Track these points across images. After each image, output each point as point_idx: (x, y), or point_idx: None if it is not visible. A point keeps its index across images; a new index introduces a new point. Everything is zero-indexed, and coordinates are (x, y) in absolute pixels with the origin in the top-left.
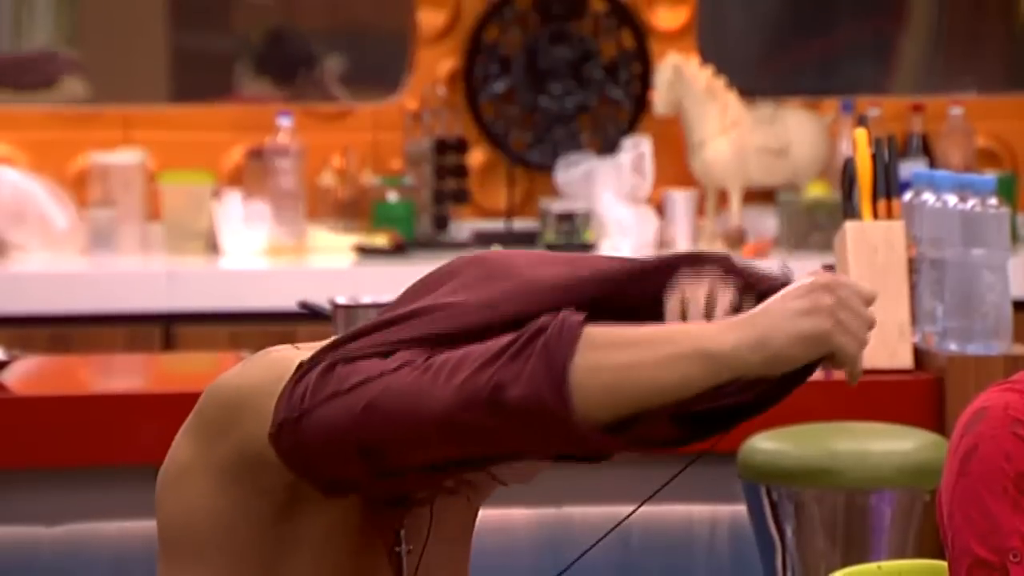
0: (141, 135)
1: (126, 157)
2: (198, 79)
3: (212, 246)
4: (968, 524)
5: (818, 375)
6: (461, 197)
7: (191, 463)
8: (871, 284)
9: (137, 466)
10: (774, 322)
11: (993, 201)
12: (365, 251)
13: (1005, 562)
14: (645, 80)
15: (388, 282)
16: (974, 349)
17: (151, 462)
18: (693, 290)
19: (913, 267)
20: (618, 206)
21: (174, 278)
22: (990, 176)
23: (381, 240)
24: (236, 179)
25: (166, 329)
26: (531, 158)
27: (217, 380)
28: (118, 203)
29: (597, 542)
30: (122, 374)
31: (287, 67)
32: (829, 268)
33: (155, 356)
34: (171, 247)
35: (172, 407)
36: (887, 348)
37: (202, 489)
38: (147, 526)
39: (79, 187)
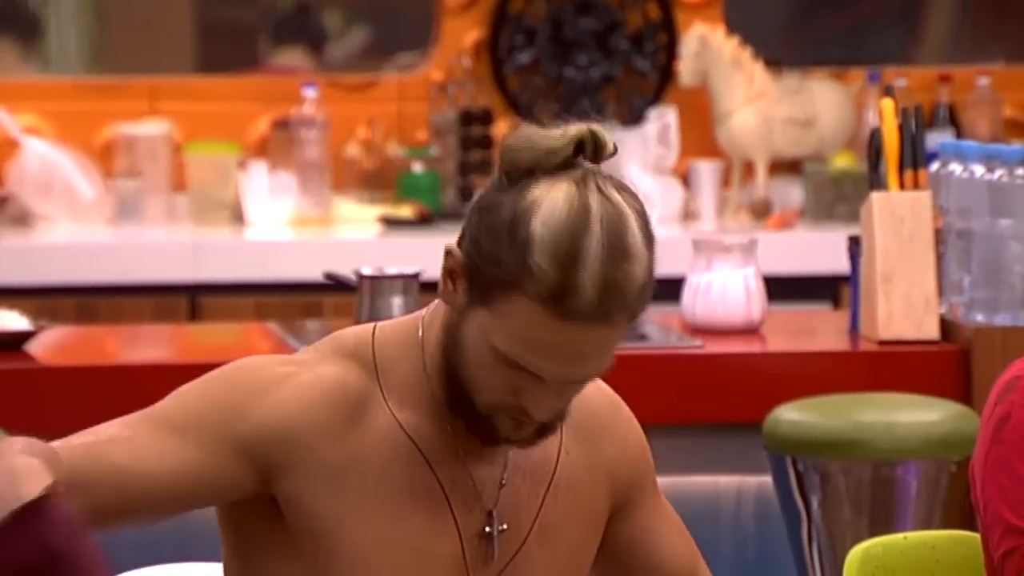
0: (167, 106)
1: (152, 128)
2: (224, 50)
3: (237, 217)
4: (1000, 492)
5: (845, 345)
6: (486, 168)
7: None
8: (898, 255)
9: None
10: None
11: (1020, 171)
12: (390, 222)
13: None
14: (671, 51)
15: (413, 253)
16: (1001, 320)
17: None
18: None
19: (940, 238)
20: (644, 177)
21: (200, 249)
22: (1017, 146)
23: (406, 211)
24: (261, 150)
25: (192, 300)
26: None
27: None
28: (144, 174)
29: None
30: (148, 345)
31: (313, 38)
32: (855, 240)
33: (181, 327)
34: (197, 218)
35: (198, 377)
36: (913, 319)
37: None
38: None
39: (105, 158)
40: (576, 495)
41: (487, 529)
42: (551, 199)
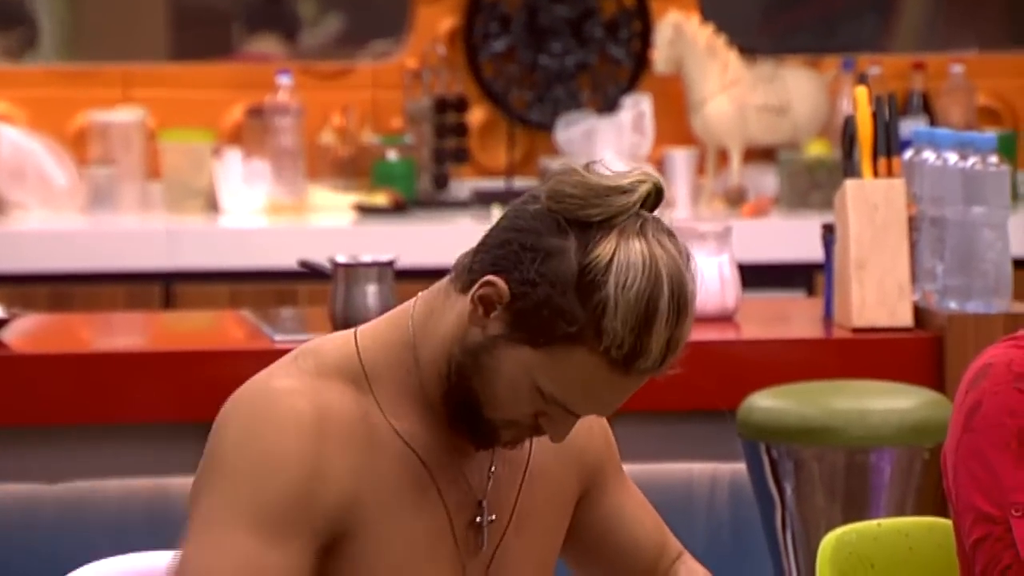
0: (141, 93)
1: (126, 115)
2: (198, 37)
3: (212, 205)
4: (972, 479)
5: (819, 332)
6: (461, 156)
7: None
8: (871, 242)
9: (137, 424)
10: None
11: (993, 159)
12: (365, 210)
13: (1008, 516)
14: (645, 38)
15: (388, 241)
16: (974, 307)
17: (151, 420)
18: None
19: (913, 225)
20: (618, 165)
21: (174, 236)
22: (990, 134)
23: (381, 199)
24: (236, 137)
25: (166, 288)
26: (531, 117)
27: None
28: (118, 161)
29: None
30: (122, 332)
31: (287, 25)
32: (829, 228)
33: (155, 314)
34: (171, 206)
35: (172, 365)
36: (887, 307)
37: None
38: (148, 483)
39: (79, 145)
40: (548, 482)
41: (477, 519)
42: (624, 259)
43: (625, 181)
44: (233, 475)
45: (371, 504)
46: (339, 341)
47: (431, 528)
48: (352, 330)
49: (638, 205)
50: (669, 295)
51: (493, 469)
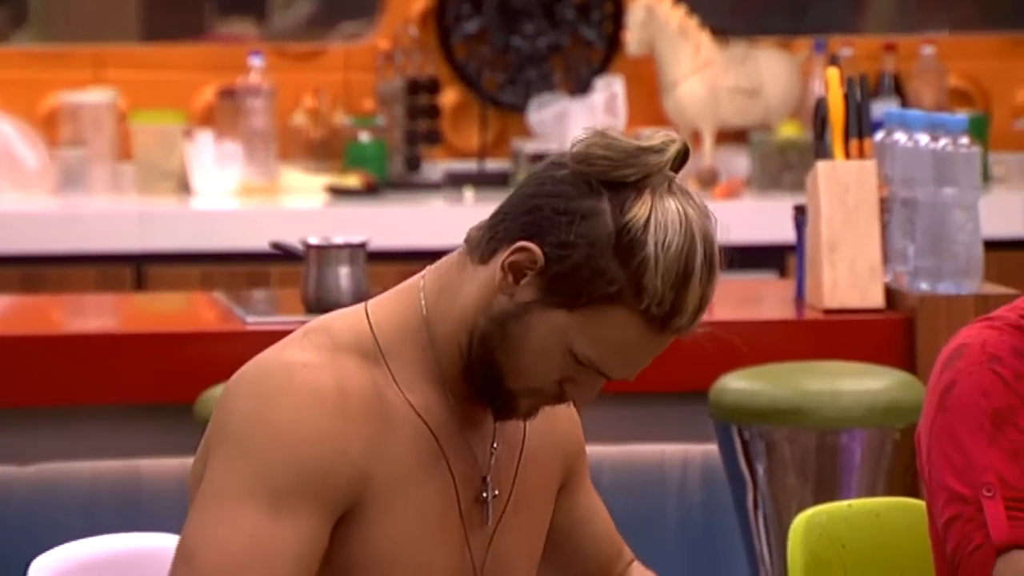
0: (112, 74)
1: (97, 96)
2: (169, 18)
3: (183, 186)
4: (945, 459)
5: (791, 313)
6: (433, 138)
7: None
8: (843, 224)
9: (109, 406)
10: None
11: (964, 140)
12: (337, 191)
13: (979, 496)
14: (618, 20)
15: (360, 222)
16: (945, 288)
17: (123, 401)
18: None
19: (884, 207)
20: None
21: (145, 218)
22: (962, 116)
23: (353, 180)
24: (207, 119)
25: (137, 269)
26: (503, 98)
27: None
28: (89, 143)
29: None
30: (94, 314)
31: (259, 6)
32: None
33: (126, 296)
34: (142, 187)
35: (143, 347)
36: (858, 288)
37: None
38: (119, 465)
39: (49, 127)
40: (539, 466)
41: (483, 495)
42: (662, 217)
43: (655, 141)
44: (247, 447)
45: (385, 477)
46: (350, 317)
47: (440, 501)
48: (361, 306)
49: (669, 165)
50: (703, 252)
51: (495, 446)
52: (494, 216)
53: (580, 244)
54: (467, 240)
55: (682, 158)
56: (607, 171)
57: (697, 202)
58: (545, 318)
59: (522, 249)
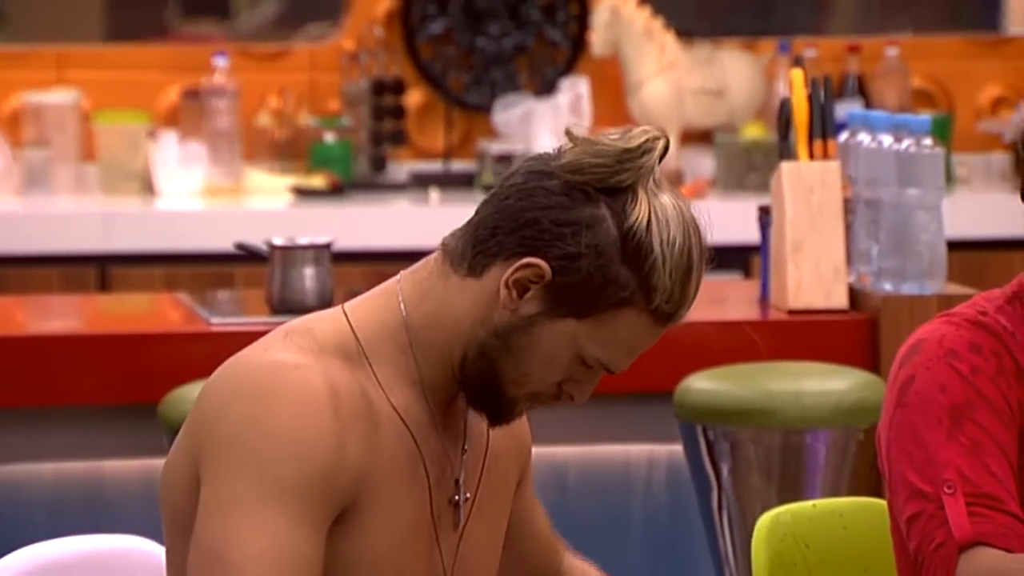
0: (76, 75)
1: (60, 97)
2: (133, 18)
3: (148, 187)
4: (905, 455)
5: (755, 314)
6: (398, 138)
7: None
8: (807, 225)
9: (73, 407)
10: None
11: (928, 141)
12: (302, 192)
13: (940, 494)
14: (583, 21)
15: (325, 223)
16: (908, 289)
17: (87, 403)
18: None
19: (848, 207)
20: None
21: (109, 219)
22: (925, 116)
23: (318, 181)
24: (172, 119)
25: (101, 270)
26: (469, 99)
27: None
28: (52, 143)
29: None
30: (57, 315)
31: (223, 7)
32: (765, 210)
33: (90, 297)
34: (106, 188)
35: (107, 348)
36: (822, 288)
37: None
38: (83, 466)
39: (13, 127)
40: (501, 467)
41: (456, 497)
42: (662, 216)
43: (640, 141)
44: (249, 452)
45: (374, 479)
46: (330, 319)
47: (416, 504)
48: (338, 308)
49: (657, 162)
50: (698, 241)
51: (466, 448)
52: (479, 228)
53: (587, 254)
54: (445, 249)
55: (664, 152)
56: (603, 178)
57: (678, 192)
58: (553, 328)
59: (527, 266)
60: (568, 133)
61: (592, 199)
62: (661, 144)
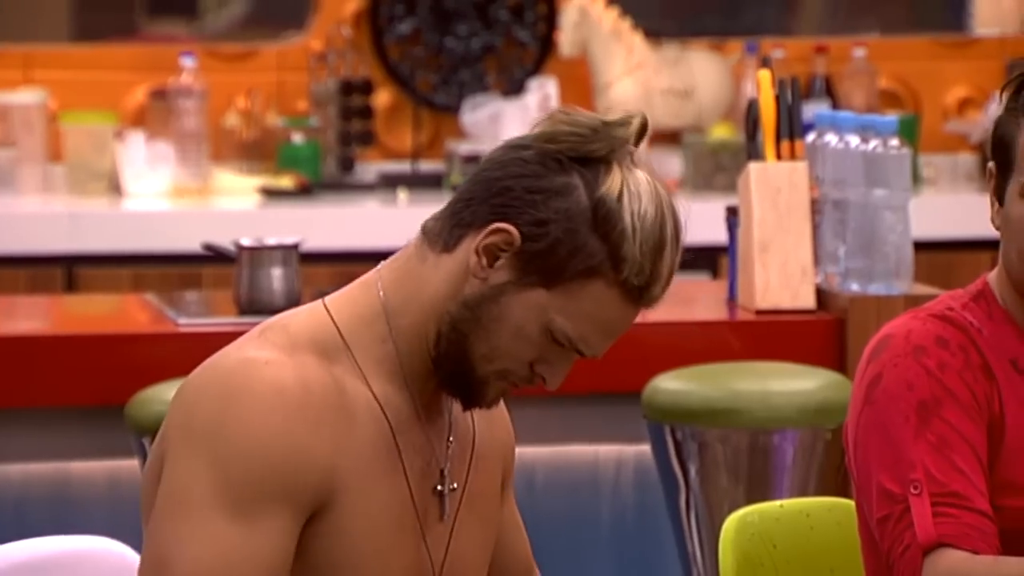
0: (42, 75)
1: (27, 97)
2: (100, 18)
3: (115, 187)
4: (874, 454)
5: (723, 314)
6: (367, 139)
7: None
8: (775, 225)
9: (40, 408)
10: None
11: (895, 142)
12: (270, 193)
13: (907, 494)
14: (551, 21)
15: (293, 224)
16: (875, 289)
17: (54, 404)
18: None
19: (816, 208)
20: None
21: (76, 220)
22: (892, 117)
23: (286, 182)
24: (139, 120)
25: (68, 271)
26: (437, 99)
27: None
28: (19, 144)
29: None
30: (24, 316)
31: (191, 7)
32: (733, 211)
33: (57, 298)
34: (73, 188)
35: (74, 349)
36: (790, 289)
37: None
38: (49, 467)
39: None
40: (487, 466)
41: (439, 488)
42: (634, 188)
43: (618, 116)
44: (213, 450)
45: (348, 474)
46: (307, 314)
47: (396, 495)
48: (318, 302)
49: (633, 138)
50: (672, 220)
51: (451, 439)
52: (454, 203)
53: (557, 220)
54: (424, 231)
55: (642, 131)
56: (576, 146)
57: (658, 175)
58: (522, 298)
59: (497, 231)
60: (552, 110)
61: (565, 168)
62: (638, 120)
